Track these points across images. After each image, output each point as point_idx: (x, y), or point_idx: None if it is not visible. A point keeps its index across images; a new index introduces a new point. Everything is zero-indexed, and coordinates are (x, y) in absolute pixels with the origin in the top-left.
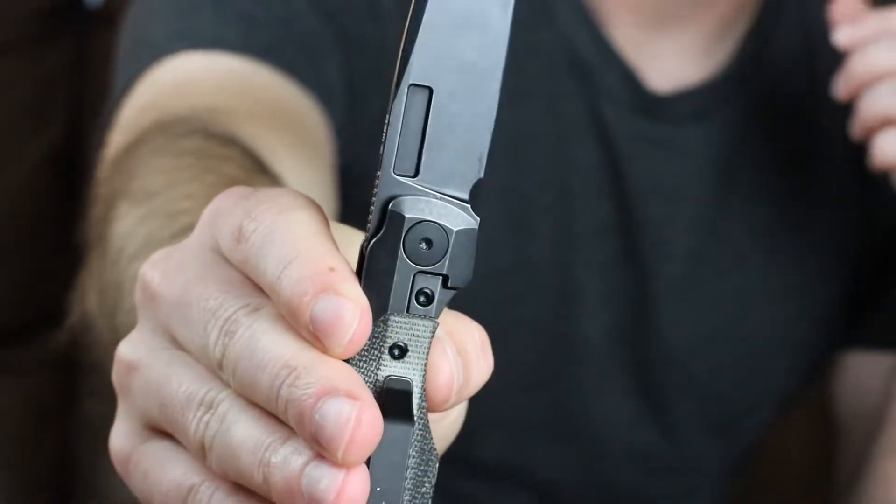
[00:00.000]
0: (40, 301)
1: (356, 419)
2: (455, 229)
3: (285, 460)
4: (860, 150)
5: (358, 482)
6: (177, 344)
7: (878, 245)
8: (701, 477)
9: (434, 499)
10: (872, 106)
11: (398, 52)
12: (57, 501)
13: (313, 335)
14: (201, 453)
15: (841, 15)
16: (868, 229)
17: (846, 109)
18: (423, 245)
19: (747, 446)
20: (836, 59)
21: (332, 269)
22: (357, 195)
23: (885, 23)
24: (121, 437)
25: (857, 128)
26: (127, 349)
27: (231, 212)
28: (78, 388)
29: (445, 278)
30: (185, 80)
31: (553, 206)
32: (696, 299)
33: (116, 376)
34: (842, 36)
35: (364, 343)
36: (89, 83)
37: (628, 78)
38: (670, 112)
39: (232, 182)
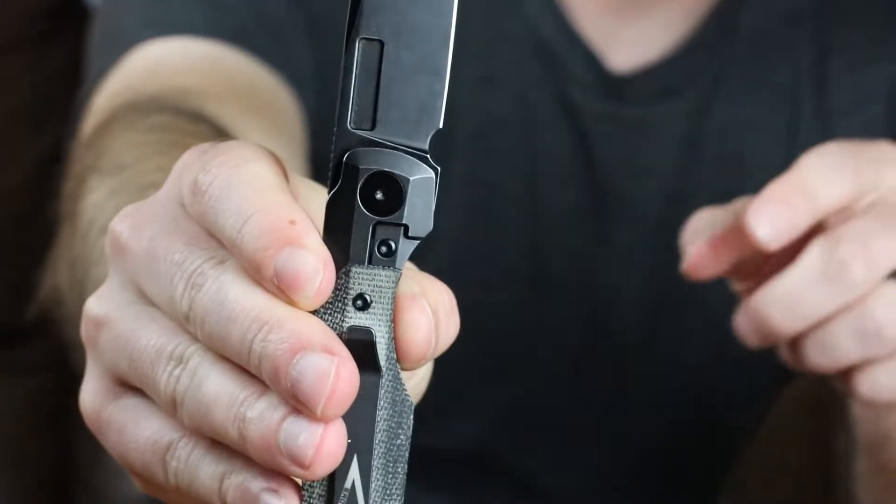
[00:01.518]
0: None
1: (335, 374)
2: (411, 178)
3: (261, 415)
4: (828, 116)
5: (336, 436)
6: (145, 298)
7: None
8: (679, 467)
9: (407, 487)
10: (829, 357)
11: (347, 6)
12: (57, 501)
13: (278, 288)
14: (172, 408)
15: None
16: None
17: (817, 76)
18: (381, 195)
19: (729, 430)
20: (805, 16)
21: (292, 222)
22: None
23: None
24: (91, 393)
25: (813, 368)
26: (95, 304)
27: (191, 166)
28: (78, 389)
29: (405, 228)
30: (156, 64)
31: (523, 193)
32: (664, 273)
33: (85, 332)
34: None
35: (329, 295)
36: (79, 93)
37: (591, 61)
38: (635, 92)
39: None
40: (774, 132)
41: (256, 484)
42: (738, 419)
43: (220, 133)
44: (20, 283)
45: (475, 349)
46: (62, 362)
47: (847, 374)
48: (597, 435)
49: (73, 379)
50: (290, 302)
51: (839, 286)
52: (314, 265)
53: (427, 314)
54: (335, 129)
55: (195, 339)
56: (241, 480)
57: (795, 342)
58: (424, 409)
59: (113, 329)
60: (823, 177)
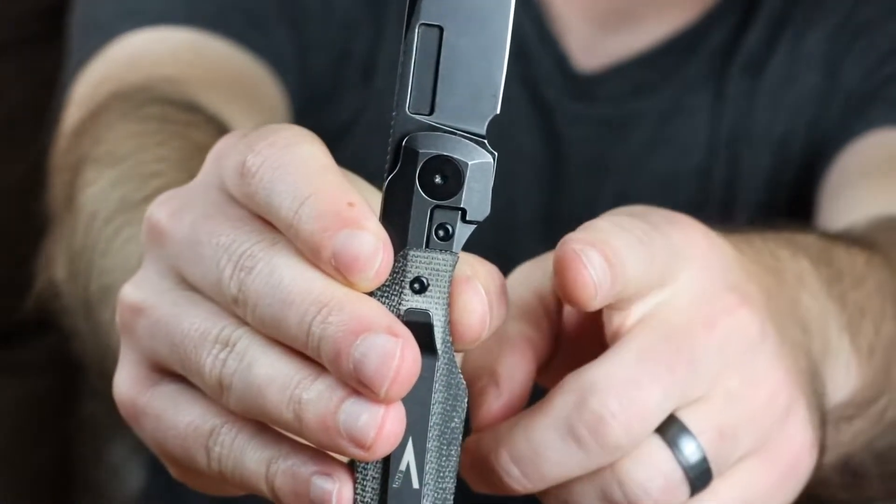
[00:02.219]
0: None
1: (400, 356)
2: (470, 163)
3: (319, 396)
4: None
5: (397, 417)
6: (185, 284)
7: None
8: None
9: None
10: None
11: None
12: (57, 500)
13: (336, 270)
14: (218, 392)
15: None
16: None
17: (789, 76)
18: (439, 179)
19: None
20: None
21: (350, 204)
22: None
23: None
24: (127, 382)
25: None
26: (132, 291)
27: (233, 149)
28: (78, 388)
29: (463, 212)
30: (138, 54)
31: (497, 192)
32: None
33: (121, 319)
34: None
35: (387, 277)
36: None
37: (561, 62)
38: (606, 91)
39: (199, 146)
40: (754, 134)
41: (306, 468)
42: None
43: (214, 122)
44: (20, 283)
45: None
46: (62, 362)
47: None
48: None
49: (73, 378)
50: (348, 284)
51: (590, 449)
52: (374, 247)
53: (481, 296)
54: (394, 113)
55: (242, 322)
56: (289, 465)
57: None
58: None
59: (152, 314)
60: (625, 243)
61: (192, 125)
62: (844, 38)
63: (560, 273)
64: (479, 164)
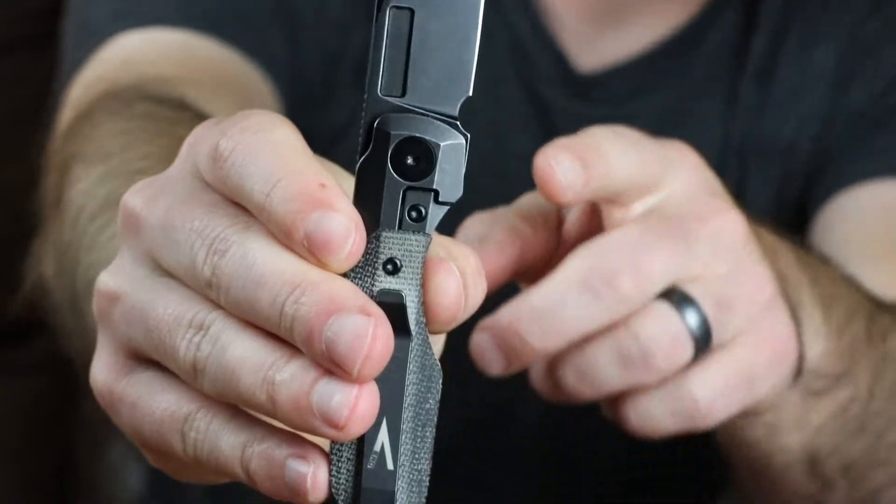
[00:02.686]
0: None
1: (372, 335)
2: (442, 144)
3: (292, 377)
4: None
5: (370, 396)
6: (160, 270)
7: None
8: (668, 476)
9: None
10: (590, 384)
11: None
12: (57, 501)
13: (309, 251)
14: (192, 376)
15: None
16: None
17: (790, 77)
18: (411, 161)
19: (703, 449)
20: (779, 24)
21: (322, 186)
22: None
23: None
24: (103, 370)
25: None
26: (108, 279)
27: (207, 135)
28: (78, 388)
29: (436, 193)
30: (130, 55)
31: (492, 190)
32: None
33: (97, 307)
34: None
35: (359, 258)
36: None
37: (560, 61)
38: (605, 92)
39: None
40: (705, 119)
41: (281, 451)
42: (711, 446)
43: (202, 119)
44: (20, 283)
45: (445, 352)
46: (62, 362)
47: (613, 402)
48: (566, 443)
49: (72, 379)
50: (321, 265)
51: (604, 300)
52: (346, 227)
53: (456, 276)
54: (365, 95)
55: (216, 306)
56: (264, 448)
57: (552, 367)
58: None
59: (128, 301)
60: (616, 147)
61: (179, 122)
62: (853, 55)
63: (536, 173)
64: (451, 145)
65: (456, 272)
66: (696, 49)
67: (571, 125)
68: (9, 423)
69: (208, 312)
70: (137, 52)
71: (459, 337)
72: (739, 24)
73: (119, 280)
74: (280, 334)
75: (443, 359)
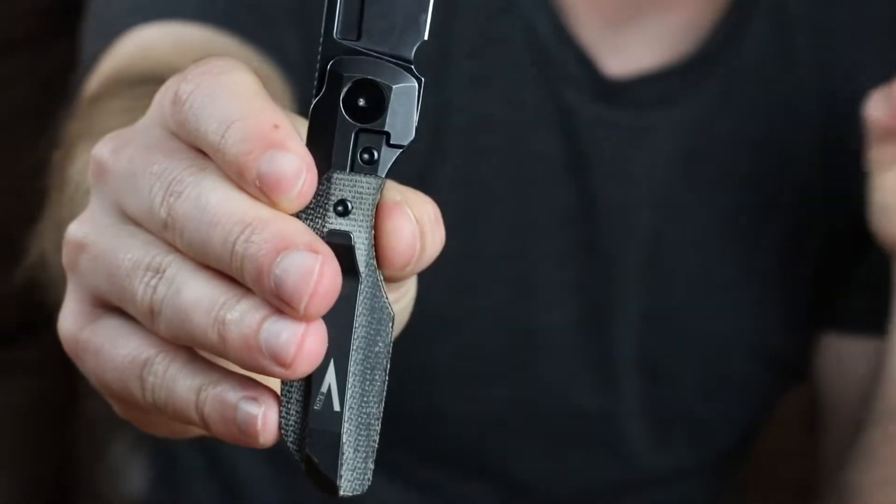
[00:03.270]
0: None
1: (319, 272)
2: (394, 86)
3: (242, 316)
4: (831, 132)
5: (317, 334)
6: (125, 218)
7: (845, 233)
8: (671, 474)
9: (398, 486)
10: None
11: None
12: (57, 501)
13: (260, 191)
14: (150, 318)
15: None
16: (836, 213)
17: (821, 98)
18: (363, 103)
19: (724, 446)
20: (815, 39)
21: (276, 126)
22: None
23: None
24: (70, 318)
25: None
26: (75, 228)
27: (171, 83)
28: (78, 388)
29: (388, 136)
30: (145, 48)
31: (511, 194)
32: (657, 284)
33: (65, 257)
34: None
35: (311, 199)
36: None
37: (586, 64)
38: (631, 98)
39: None
40: (776, 153)
41: (234, 394)
42: (732, 439)
43: None
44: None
45: (462, 350)
46: (62, 362)
47: None
48: (586, 438)
49: (74, 378)
50: (273, 205)
51: None
52: (297, 167)
53: (410, 220)
54: (321, 38)
55: (174, 249)
56: (218, 391)
57: None
58: (413, 411)
59: (92, 249)
60: None
61: None
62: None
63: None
64: (403, 87)
65: (411, 216)
66: (726, 62)
67: (593, 128)
68: (9, 423)
69: (165, 255)
70: (153, 45)
71: (472, 340)
72: (770, 38)
73: (86, 229)
74: (232, 274)
75: (454, 364)
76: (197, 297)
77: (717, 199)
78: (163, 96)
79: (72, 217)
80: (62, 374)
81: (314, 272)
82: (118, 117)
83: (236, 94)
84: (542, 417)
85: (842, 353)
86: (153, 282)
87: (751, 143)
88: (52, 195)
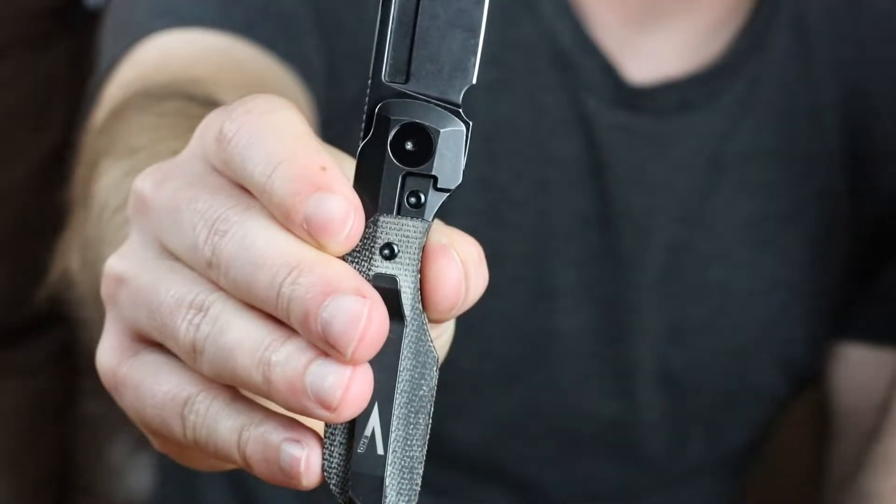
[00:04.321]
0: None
1: (367, 317)
2: (441, 130)
3: (287, 358)
4: (852, 142)
5: (364, 379)
6: (167, 253)
7: (870, 238)
8: (686, 476)
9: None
10: None
11: None
12: (57, 501)
13: (308, 233)
14: (192, 357)
15: None
16: (859, 223)
17: (842, 103)
18: (411, 146)
19: (738, 446)
20: (835, 49)
21: (323, 168)
22: None
23: None
24: (108, 351)
25: None
26: (115, 261)
27: (214, 119)
28: (78, 388)
29: (435, 179)
30: (166, 55)
31: (530, 199)
32: (677, 292)
33: (105, 290)
34: None
35: (357, 242)
36: (89, 82)
37: (608, 71)
38: (652, 105)
39: None
40: (798, 162)
41: (277, 435)
42: (746, 439)
43: None
44: (20, 282)
45: (479, 354)
46: (62, 362)
47: None
48: (601, 444)
49: (74, 378)
50: (320, 247)
51: None
52: (345, 210)
53: (457, 264)
54: (370, 80)
55: (217, 287)
56: (261, 432)
57: None
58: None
59: (133, 283)
60: None
61: None
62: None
63: None
64: (451, 131)
65: (457, 260)
66: (747, 71)
67: (614, 134)
68: (9, 423)
69: (209, 294)
70: (175, 53)
71: (490, 344)
72: (790, 48)
73: (126, 263)
74: (277, 315)
75: (471, 367)
76: (241, 337)
77: (738, 207)
78: (205, 131)
79: (100, 238)
80: (62, 374)
81: (362, 317)
82: (143, 135)
83: (282, 134)
84: (557, 422)
85: (857, 361)
86: (196, 320)
87: (772, 152)
88: (76, 212)
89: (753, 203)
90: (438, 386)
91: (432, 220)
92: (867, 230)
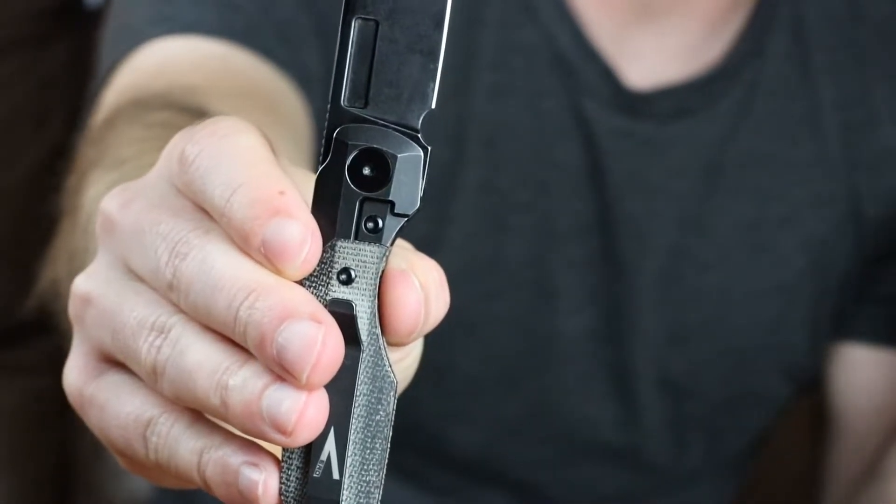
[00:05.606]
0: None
1: (322, 342)
2: (399, 155)
3: (244, 382)
4: (850, 146)
5: (318, 404)
6: (132, 274)
7: (869, 242)
8: (686, 479)
9: (412, 490)
10: None
11: None
12: (57, 501)
13: (265, 258)
14: (153, 378)
15: None
16: (857, 226)
17: (841, 107)
18: (368, 171)
19: (738, 449)
20: (834, 53)
21: (281, 193)
22: None
23: None
24: (75, 371)
25: None
26: (82, 281)
27: (178, 141)
28: None
29: (392, 205)
30: (164, 62)
31: (531, 203)
32: (676, 297)
33: (72, 309)
34: None
35: (314, 266)
36: (89, 83)
37: (608, 75)
38: (652, 110)
39: None
40: (796, 166)
41: (236, 458)
42: (747, 442)
43: None
44: (20, 282)
45: (480, 357)
46: (62, 362)
47: None
48: (602, 447)
49: None
50: (277, 272)
51: None
52: (302, 235)
53: (416, 289)
54: (328, 105)
55: (178, 309)
56: (220, 455)
57: None
58: (429, 416)
59: (98, 304)
60: None
61: None
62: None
63: None
64: (409, 156)
65: (416, 285)
66: (746, 77)
67: (613, 139)
68: (9, 423)
69: (170, 316)
70: (172, 60)
71: (490, 347)
72: (788, 53)
73: (92, 283)
74: (235, 339)
75: (471, 370)
76: (200, 360)
77: (736, 211)
78: (170, 152)
79: (86, 249)
80: (62, 374)
81: (317, 342)
82: (130, 147)
83: (242, 158)
84: (558, 425)
85: (857, 362)
86: (157, 342)
87: (770, 156)
88: (64, 222)
89: (752, 207)
90: (439, 388)
91: (391, 245)
92: (866, 233)
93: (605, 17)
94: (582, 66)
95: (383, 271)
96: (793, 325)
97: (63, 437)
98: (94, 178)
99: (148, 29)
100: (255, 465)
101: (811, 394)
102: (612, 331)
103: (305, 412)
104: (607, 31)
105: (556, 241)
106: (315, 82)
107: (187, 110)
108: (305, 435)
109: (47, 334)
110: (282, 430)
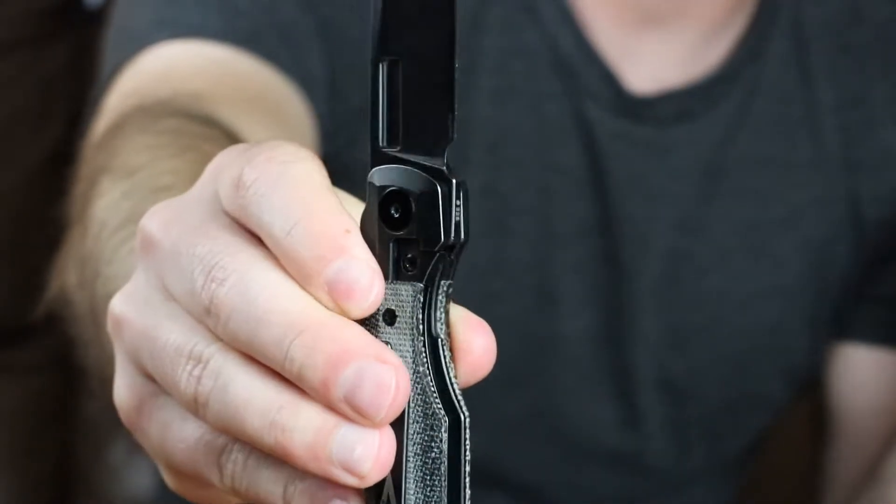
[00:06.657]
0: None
1: (396, 384)
2: (417, 192)
3: (307, 424)
4: (849, 149)
5: (390, 444)
6: (169, 296)
7: (869, 243)
8: (686, 481)
9: None
10: None
11: (371, 31)
12: (57, 501)
13: (330, 297)
14: (195, 408)
15: None
16: (857, 229)
17: (840, 110)
18: (394, 212)
19: (738, 451)
20: (833, 56)
21: (347, 231)
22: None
23: None
24: (125, 390)
25: None
26: (117, 302)
27: (232, 162)
28: (78, 388)
29: (419, 242)
30: (168, 67)
31: (532, 206)
32: (676, 299)
33: (111, 329)
34: None
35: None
36: (89, 83)
37: (609, 79)
38: (653, 113)
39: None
40: (795, 169)
41: (325, 492)
42: (747, 444)
43: (232, 137)
44: (20, 282)
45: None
46: (63, 362)
47: None
48: (603, 449)
49: (74, 378)
50: (340, 311)
51: None
52: (370, 277)
53: (489, 336)
54: (370, 149)
55: (216, 337)
56: (306, 486)
57: None
58: None
59: (134, 326)
60: None
61: (207, 139)
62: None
63: None
64: (426, 193)
65: (489, 331)
66: (746, 80)
67: (615, 142)
68: (9, 423)
69: (207, 344)
70: (176, 64)
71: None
72: (788, 56)
73: (128, 304)
74: (284, 374)
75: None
76: (247, 396)
77: (736, 214)
78: (220, 173)
79: (98, 256)
80: (62, 374)
81: (391, 384)
82: (141, 154)
83: (303, 188)
84: (559, 427)
85: (857, 362)
86: (196, 371)
87: (770, 159)
88: (74, 229)
89: (752, 210)
90: None
91: (444, 280)
92: (865, 235)
93: (606, 21)
94: (583, 69)
95: (446, 312)
96: (793, 326)
97: (63, 437)
98: (104, 187)
99: (151, 33)
100: (344, 499)
101: (811, 394)
102: (612, 333)
103: (380, 454)
104: (609, 35)
105: (558, 244)
106: (317, 86)
107: (195, 117)
108: (378, 476)
109: (47, 334)
110: (356, 474)
